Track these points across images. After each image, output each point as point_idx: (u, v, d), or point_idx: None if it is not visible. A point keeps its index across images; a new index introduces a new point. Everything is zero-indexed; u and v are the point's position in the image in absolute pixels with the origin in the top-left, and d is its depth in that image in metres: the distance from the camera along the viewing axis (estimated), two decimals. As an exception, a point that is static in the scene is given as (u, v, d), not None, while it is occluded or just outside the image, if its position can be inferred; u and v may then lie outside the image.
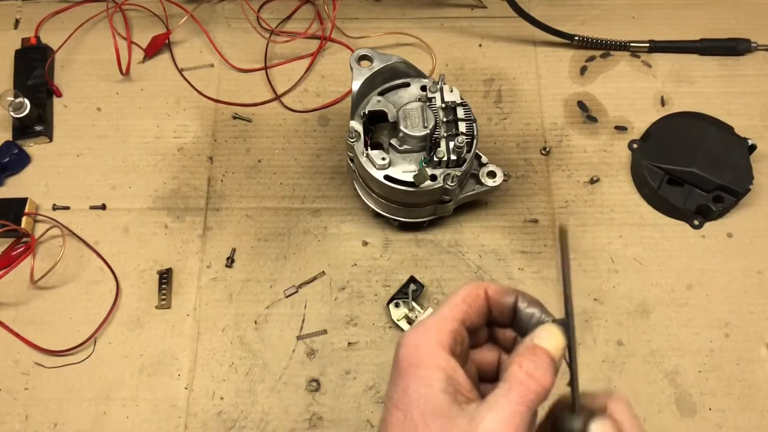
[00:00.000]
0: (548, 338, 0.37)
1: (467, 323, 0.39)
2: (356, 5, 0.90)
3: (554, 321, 0.39)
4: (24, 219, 0.74)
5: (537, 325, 0.39)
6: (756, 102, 0.84)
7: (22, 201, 0.76)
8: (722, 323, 0.72)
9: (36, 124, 0.80)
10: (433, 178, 0.66)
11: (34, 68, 0.83)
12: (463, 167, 0.67)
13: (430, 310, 0.70)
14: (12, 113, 0.78)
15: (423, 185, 0.66)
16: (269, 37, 0.87)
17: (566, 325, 0.38)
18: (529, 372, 0.36)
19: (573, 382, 0.37)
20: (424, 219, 0.74)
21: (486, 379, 0.42)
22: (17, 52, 0.85)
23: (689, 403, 0.68)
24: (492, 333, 0.43)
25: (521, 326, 0.41)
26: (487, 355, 0.43)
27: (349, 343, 0.71)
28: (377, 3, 0.91)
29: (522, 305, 0.40)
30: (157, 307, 0.72)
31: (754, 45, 0.86)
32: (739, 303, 0.73)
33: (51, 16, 0.88)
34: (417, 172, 0.65)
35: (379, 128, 0.71)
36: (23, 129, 0.80)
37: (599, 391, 0.39)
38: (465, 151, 0.66)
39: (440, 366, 0.36)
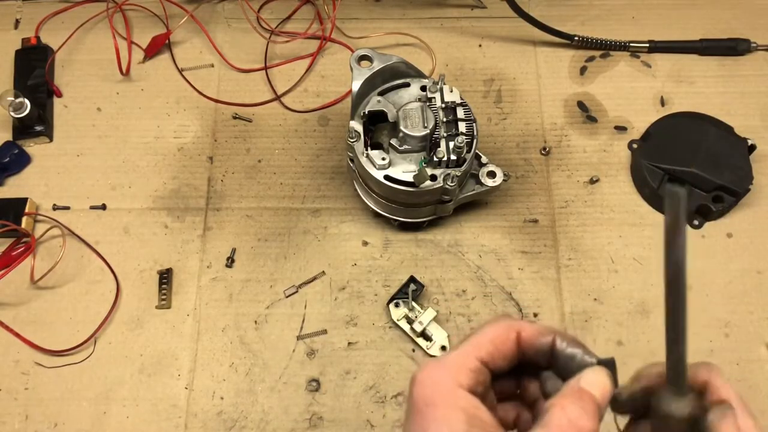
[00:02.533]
0: (596, 382, 0.35)
1: (491, 365, 0.36)
2: (356, 5, 0.90)
3: (599, 362, 0.36)
4: (24, 219, 0.74)
5: (579, 366, 0.36)
6: (756, 102, 0.83)
7: (22, 201, 0.76)
8: (722, 323, 0.72)
9: (36, 124, 0.80)
10: (433, 178, 0.66)
11: (34, 68, 0.83)
12: (463, 167, 0.67)
13: (430, 310, 0.70)
14: (12, 113, 0.78)
15: (423, 185, 0.66)
16: (269, 37, 0.87)
17: (611, 366, 0.36)
18: (572, 419, 0.33)
19: (675, 353, 0.33)
20: (424, 219, 0.74)
21: None
22: (17, 52, 0.85)
23: (689, 403, 0.68)
24: (519, 385, 0.40)
25: (560, 368, 0.38)
26: (509, 412, 0.40)
27: (349, 343, 0.71)
28: (377, 3, 0.91)
29: (561, 346, 0.37)
30: (157, 307, 0.72)
31: (754, 45, 0.86)
32: (739, 303, 0.73)
33: (51, 16, 0.88)
34: (417, 172, 0.65)
35: (379, 128, 0.71)
36: (23, 129, 0.80)
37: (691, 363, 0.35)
38: (465, 151, 0.66)
39: (460, 406, 0.33)
